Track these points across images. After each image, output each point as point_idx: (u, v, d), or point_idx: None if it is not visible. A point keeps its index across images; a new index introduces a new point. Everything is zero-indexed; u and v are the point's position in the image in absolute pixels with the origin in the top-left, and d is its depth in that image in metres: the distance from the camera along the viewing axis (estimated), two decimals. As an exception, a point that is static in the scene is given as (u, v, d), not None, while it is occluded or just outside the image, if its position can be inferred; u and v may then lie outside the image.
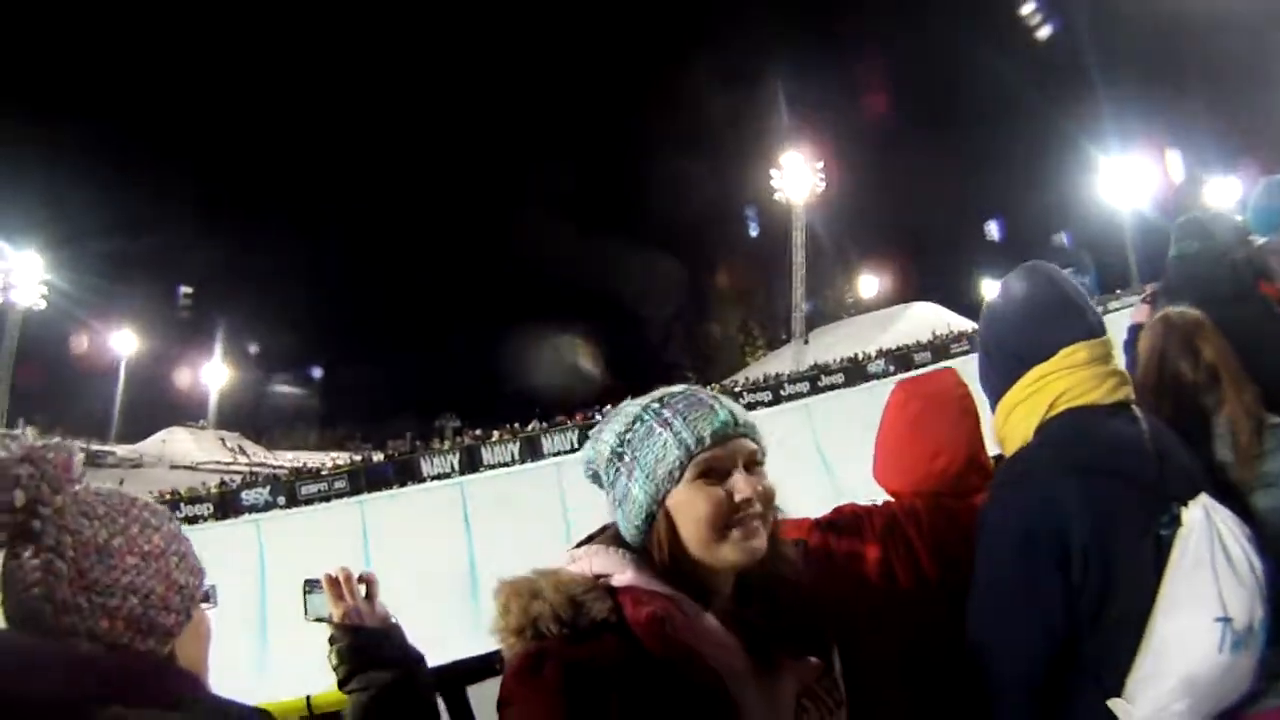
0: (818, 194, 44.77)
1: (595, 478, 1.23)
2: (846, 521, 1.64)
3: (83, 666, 0.86)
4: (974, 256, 47.90)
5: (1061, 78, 43.72)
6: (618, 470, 1.16)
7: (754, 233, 54.93)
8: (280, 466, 44.41)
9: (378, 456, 38.13)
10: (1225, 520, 1.32)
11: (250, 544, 18.88)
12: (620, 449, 1.16)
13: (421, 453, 34.81)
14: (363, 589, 1.40)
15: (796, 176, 44.41)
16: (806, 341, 44.62)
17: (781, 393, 32.98)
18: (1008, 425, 1.52)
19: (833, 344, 43.75)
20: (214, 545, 17.48)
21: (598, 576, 1.11)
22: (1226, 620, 1.24)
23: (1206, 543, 1.28)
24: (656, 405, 1.17)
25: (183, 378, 55.63)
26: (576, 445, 31.84)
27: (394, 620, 1.39)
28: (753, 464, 1.15)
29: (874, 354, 35.65)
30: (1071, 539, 1.31)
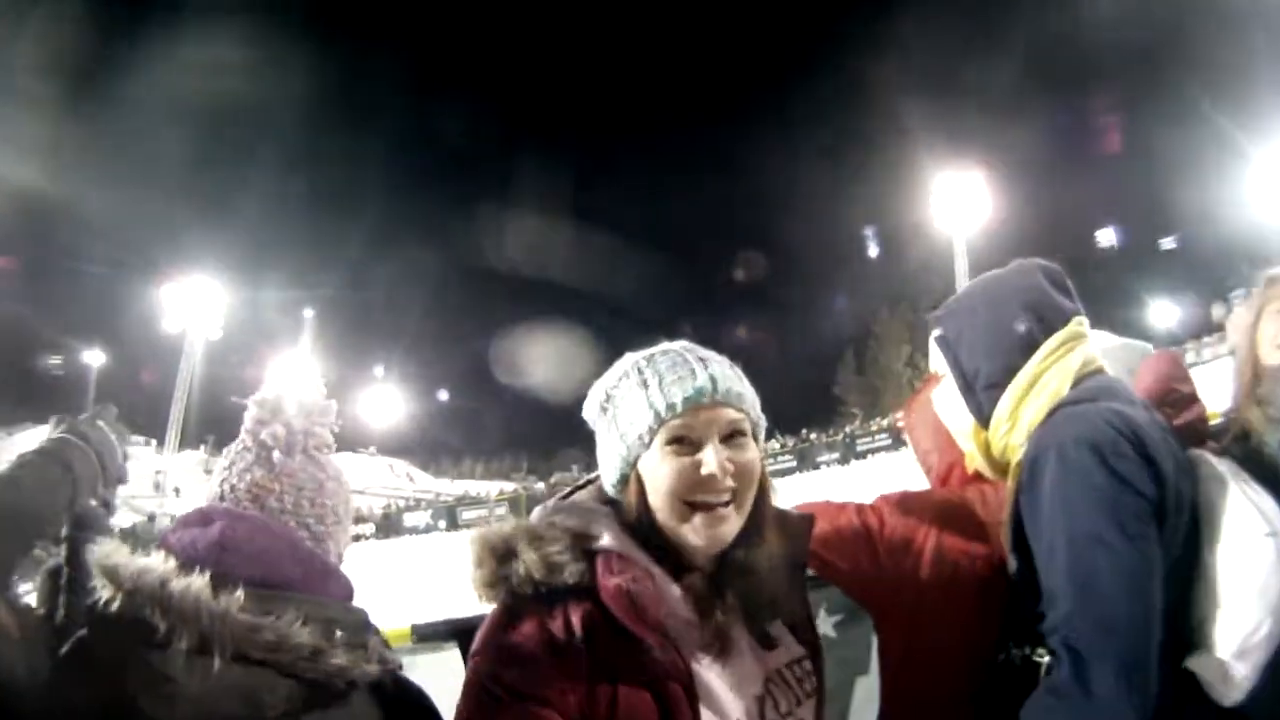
0: (980, 220, 41.75)
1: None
2: (894, 505, 1.52)
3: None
4: (1145, 279, 43.59)
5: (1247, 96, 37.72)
6: (602, 424, 1.14)
7: (917, 263, 51.68)
8: (445, 494, 45.38)
9: (539, 486, 39.19)
10: (1237, 467, 1.33)
11: (409, 562, 20.15)
12: (605, 403, 1.14)
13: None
14: None
15: (957, 202, 41.12)
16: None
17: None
18: (1039, 384, 1.39)
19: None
20: (376, 562, 18.74)
21: (576, 535, 1.08)
22: (1275, 534, 1.23)
23: (1230, 474, 1.30)
24: (644, 362, 1.13)
25: (356, 407, 58.12)
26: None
27: None
28: (733, 435, 1.08)
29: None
30: (1160, 456, 1.24)
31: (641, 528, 1.08)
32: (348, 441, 59.03)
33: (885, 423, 37.45)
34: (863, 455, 32.04)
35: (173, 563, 0.99)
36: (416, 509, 35.53)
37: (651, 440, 1.06)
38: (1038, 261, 1.50)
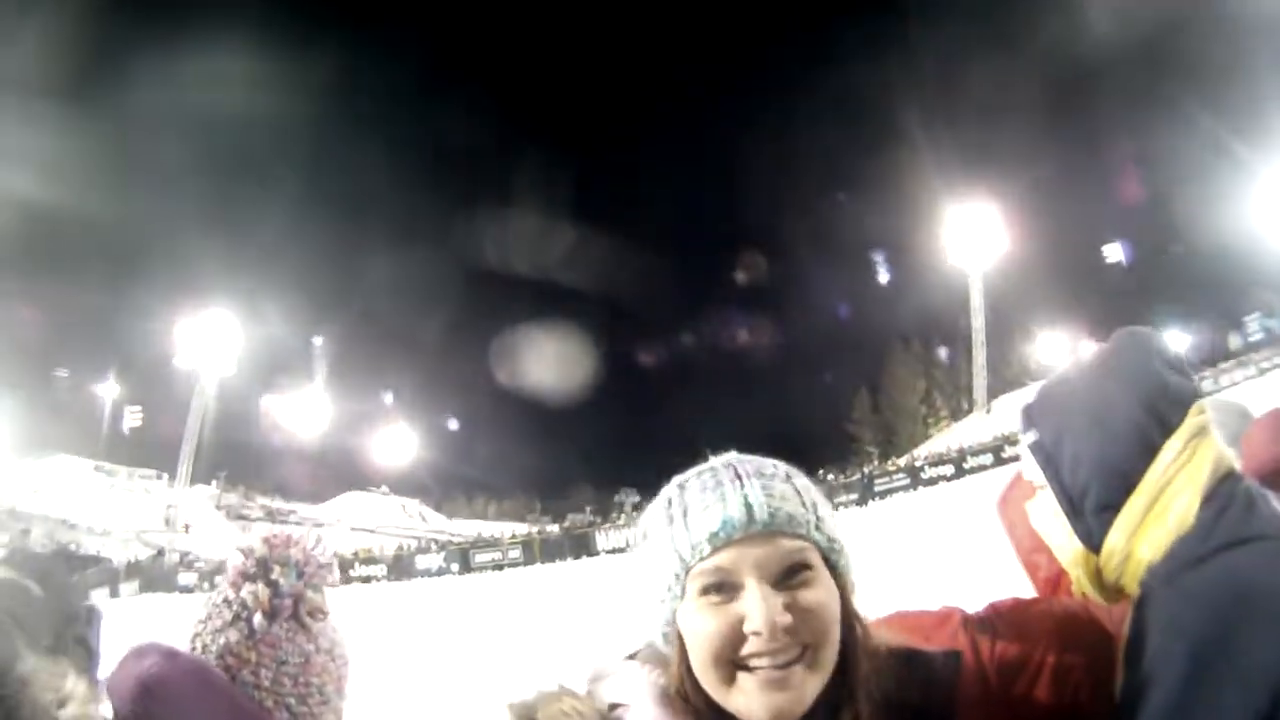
0: (996, 257, 42.17)
1: None
2: (1007, 617, 1.18)
3: None
4: (1159, 306, 42.70)
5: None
6: (642, 567, 0.92)
7: (933, 299, 51.65)
8: (458, 535, 45.19)
9: (553, 529, 38.88)
10: None
11: (420, 607, 19.62)
12: (643, 542, 0.92)
13: (598, 527, 35.10)
14: None
15: (972, 239, 41.64)
16: (988, 411, 41.31)
17: (964, 465, 31.61)
18: (1158, 506, 1.12)
19: (1017, 412, 41.89)
20: (386, 605, 18.46)
21: (613, 707, 0.87)
22: None
23: None
24: (676, 490, 0.91)
25: (371, 446, 58.21)
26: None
27: None
28: (793, 570, 0.83)
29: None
30: None
31: (690, 696, 0.86)
32: (359, 480, 59.27)
33: (902, 462, 37.11)
34: (882, 496, 31.52)
35: (83, 709, 0.81)
36: (429, 551, 35.07)
37: (683, 590, 0.85)
38: (1148, 334, 1.24)
